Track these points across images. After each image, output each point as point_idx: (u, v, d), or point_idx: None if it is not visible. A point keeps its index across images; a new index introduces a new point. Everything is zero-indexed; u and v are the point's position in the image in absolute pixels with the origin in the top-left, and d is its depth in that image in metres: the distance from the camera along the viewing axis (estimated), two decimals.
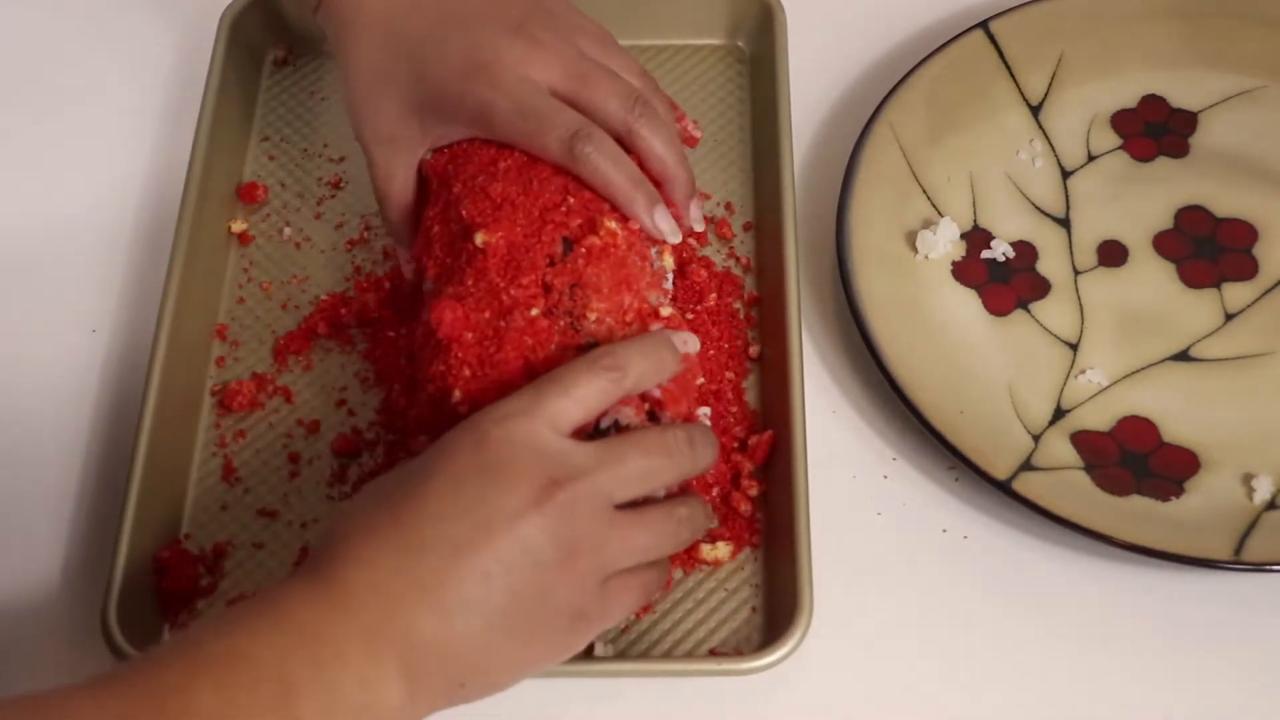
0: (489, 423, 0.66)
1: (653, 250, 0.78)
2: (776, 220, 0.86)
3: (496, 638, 0.64)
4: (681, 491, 0.73)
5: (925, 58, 0.93)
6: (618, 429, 0.70)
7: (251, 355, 0.87)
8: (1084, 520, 0.77)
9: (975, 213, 0.91)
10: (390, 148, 0.80)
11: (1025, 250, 0.89)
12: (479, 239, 0.74)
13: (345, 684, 0.62)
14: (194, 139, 0.90)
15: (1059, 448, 0.81)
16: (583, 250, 0.74)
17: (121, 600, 0.76)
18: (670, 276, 0.79)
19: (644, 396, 0.71)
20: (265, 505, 0.82)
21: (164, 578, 0.78)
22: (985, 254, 0.89)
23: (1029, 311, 0.87)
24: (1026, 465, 0.80)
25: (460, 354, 0.72)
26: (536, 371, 0.70)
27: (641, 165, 0.78)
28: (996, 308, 0.87)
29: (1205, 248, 0.89)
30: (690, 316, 0.85)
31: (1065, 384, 0.84)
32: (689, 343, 0.73)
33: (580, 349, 0.71)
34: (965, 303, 0.87)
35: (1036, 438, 0.82)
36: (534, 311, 0.72)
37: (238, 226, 0.92)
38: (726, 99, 0.96)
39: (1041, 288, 0.88)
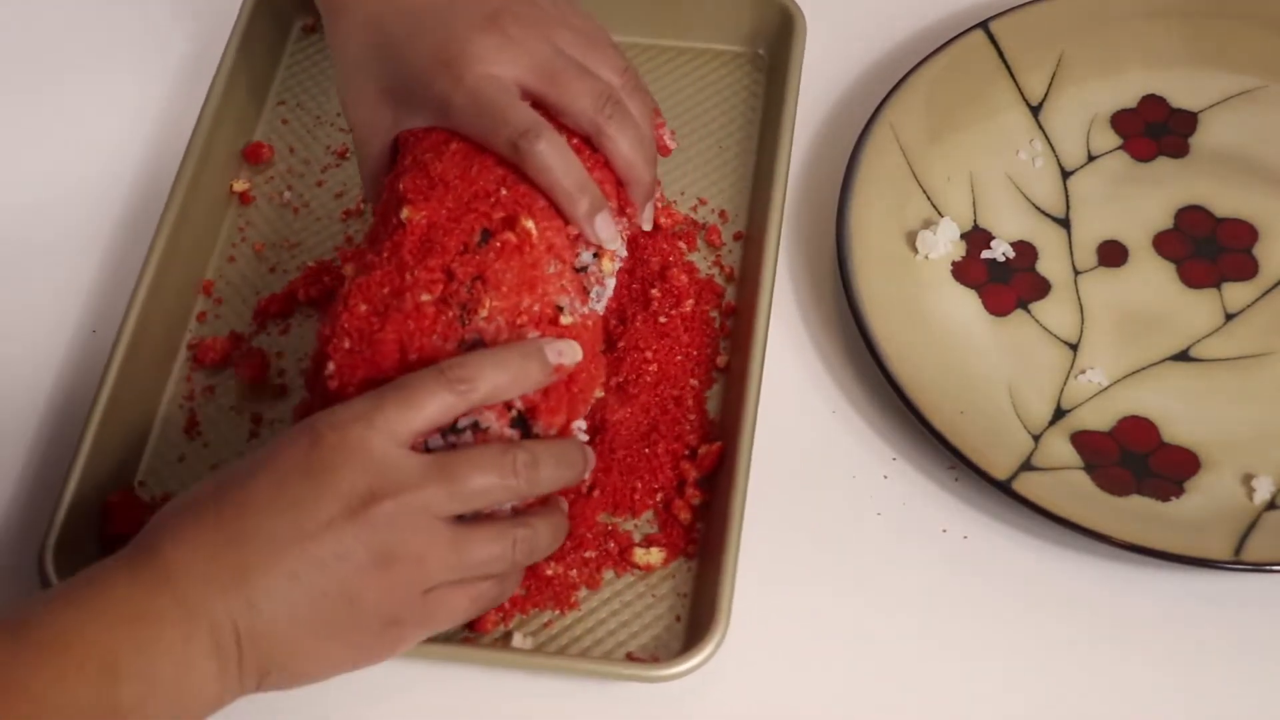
0: (325, 425, 0.67)
1: (587, 254, 0.77)
2: (761, 233, 0.86)
3: (301, 634, 0.66)
4: (541, 503, 0.73)
5: (925, 58, 0.93)
6: (475, 431, 0.70)
7: (233, 314, 0.88)
8: (1084, 520, 0.77)
9: (975, 213, 0.91)
10: (368, 130, 0.81)
11: (1025, 250, 0.89)
12: (404, 213, 0.75)
13: (163, 663, 0.64)
14: (206, 95, 0.91)
15: (1059, 448, 0.81)
16: (496, 244, 0.74)
17: (61, 538, 0.77)
18: (609, 282, 0.78)
19: (509, 403, 0.71)
20: (221, 461, 0.83)
21: (110, 522, 0.79)
22: (985, 254, 0.89)
23: (1029, 311, 0.87)
24: (1026, 465, 0.80)
25: (347, 323, 0.73)
26: (410, 357, 0.71)
27: (607, 164, 0.78)
28: (996, 308, 0.87)
29: (1205, 248, 0.89)
30: (664, 320, 0.85)
31: (1065, 384, 0.84)
32: (565, 353, 0.72)
33: (463, 343, 0.71)
34: (965, 303, 0.87)
35: (1036, 438, 0.82)
36: (425, 297, 0.72)
37: (239, 185, 0.93)
38: (738, 105, 0.96)
39: (1041, 288, 0.88)
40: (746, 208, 0.91)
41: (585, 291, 0.76)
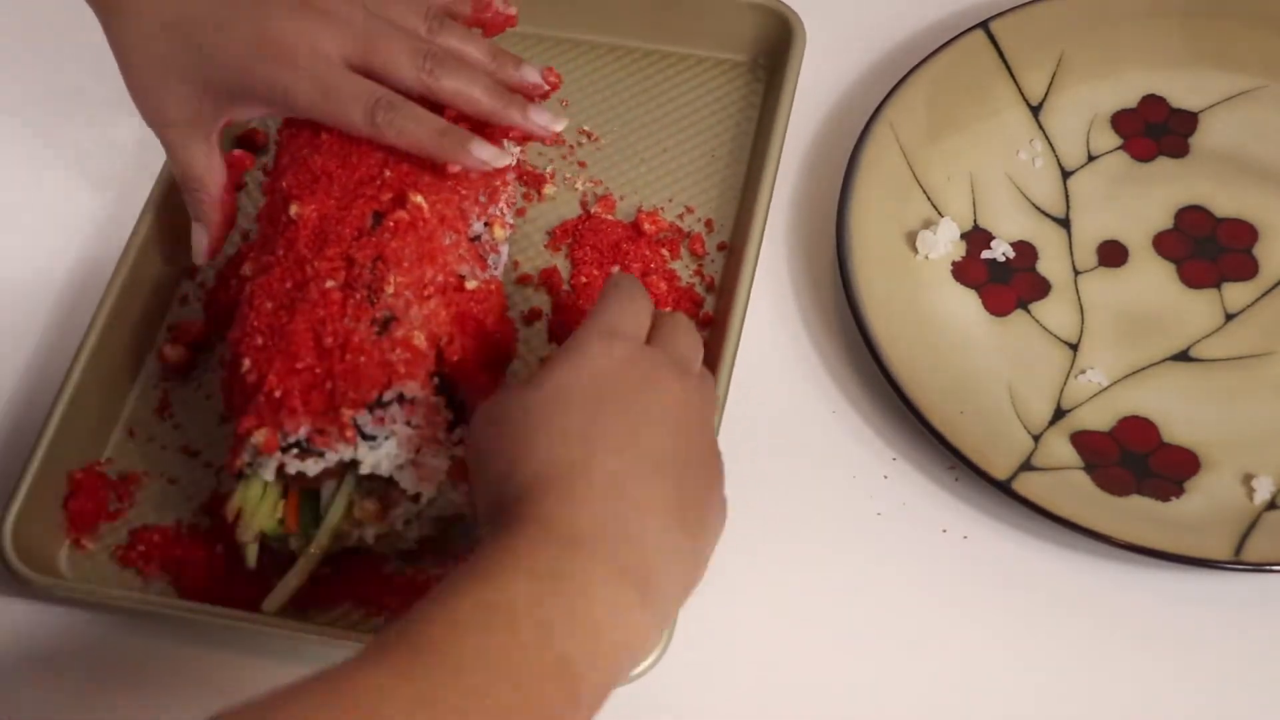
0: (619, 343, 0.68)
1: (478, 224, 0.79)
2: (743, 244, 0.85)
3: (691, 540, 0.66)
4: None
5: (925, 58, 0.93)
6: (401, 402, 0.71)
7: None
8: (1084, 520, 0.77)
9: (975, 213, 0.91)
10: (183, 131, 0.80)
11: (1025, 250, 0.89)
12: (293, 210, 0.76)
13: (598, 615, 0.62)
14: None
15: (1059, 448, 0.81)
16: (390, 224, 0.75)
17: (23, 512, 0.77)
18: (503, 249, 0.80)
19: (432, 370, 0.72)
20: (189, 443, 0.83)
21: (73, 497, 0.80)
22: (985, 254, 0.89)
23: (1029, 311, 0.87)
24: (1026, 465, 0.80)
25: (256, 321, 0.74)
26: (325, 343, 0.72)
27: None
28: (996, 308, 0.87)
29: (1205, 248, 0.89)
30: None
31: (1065, 384, 0.84)
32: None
33: (375, 320, 0.73)
34: (965, 303, 0.87)
35: (1036, 438, 0.82)
36: (330, 284, 0.73)
37: None
38: (734, 114, 0.95)
39: (1041, 288, 0.88)
40: (733, 219, 0.90)
41: (483, 259, 0.78)
